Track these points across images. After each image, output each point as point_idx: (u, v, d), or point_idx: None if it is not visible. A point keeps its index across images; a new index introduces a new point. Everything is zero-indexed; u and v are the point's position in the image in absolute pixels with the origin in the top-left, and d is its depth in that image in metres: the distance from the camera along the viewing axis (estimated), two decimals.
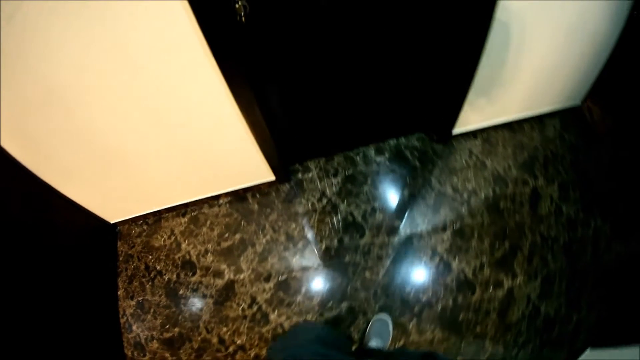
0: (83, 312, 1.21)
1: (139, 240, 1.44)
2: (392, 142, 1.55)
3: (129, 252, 1.43)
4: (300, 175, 1.48)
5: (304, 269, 1.31)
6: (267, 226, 1.39)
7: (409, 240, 1.34)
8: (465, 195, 1.42)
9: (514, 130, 1.56)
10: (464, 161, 1.51)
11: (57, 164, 1.09)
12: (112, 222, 1.46)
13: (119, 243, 1.46)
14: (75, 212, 1.29)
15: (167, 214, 1.46)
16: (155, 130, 1.07)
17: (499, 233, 1.34)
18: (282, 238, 1.36)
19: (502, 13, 0.97)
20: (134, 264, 1.40)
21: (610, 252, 1.30)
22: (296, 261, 1.32)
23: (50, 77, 0.82)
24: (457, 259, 1.29)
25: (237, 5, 0.83)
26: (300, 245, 1.35)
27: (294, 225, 1.38)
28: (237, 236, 1.38)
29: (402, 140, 1.56)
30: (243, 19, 0.85)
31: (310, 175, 1.48)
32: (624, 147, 1.47)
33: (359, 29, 1.04)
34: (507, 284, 1.25)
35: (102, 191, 1.30)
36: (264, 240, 1.36)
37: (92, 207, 1.34)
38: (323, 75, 1.17)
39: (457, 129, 1.50)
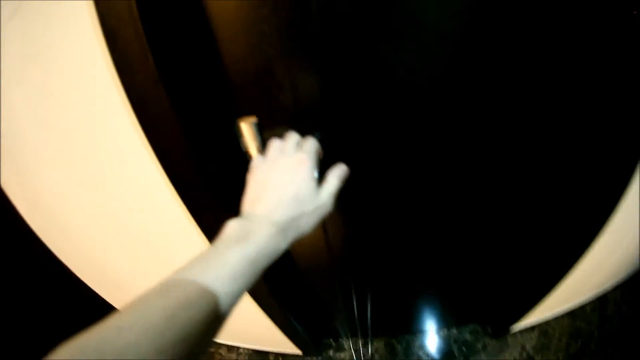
0: None
1: None
2: (443, 332, 1.36)
3: None
4: (331, 352, 1.33)
5: None
6: None
7: None
8: None
9: (574, 316, 1.36)
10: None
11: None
12: None
13: None
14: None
15: None
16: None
17: None
18: None
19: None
20: None
21: None
22: None
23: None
24: None
25: None
26: None
27: None
28: None
29: (454, 331, 1.37)
30: None
31: (342, 356, 1.33)
32: None
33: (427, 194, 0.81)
34: None
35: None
36: None
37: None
38: (366, 254, 0.97)
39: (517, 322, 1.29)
